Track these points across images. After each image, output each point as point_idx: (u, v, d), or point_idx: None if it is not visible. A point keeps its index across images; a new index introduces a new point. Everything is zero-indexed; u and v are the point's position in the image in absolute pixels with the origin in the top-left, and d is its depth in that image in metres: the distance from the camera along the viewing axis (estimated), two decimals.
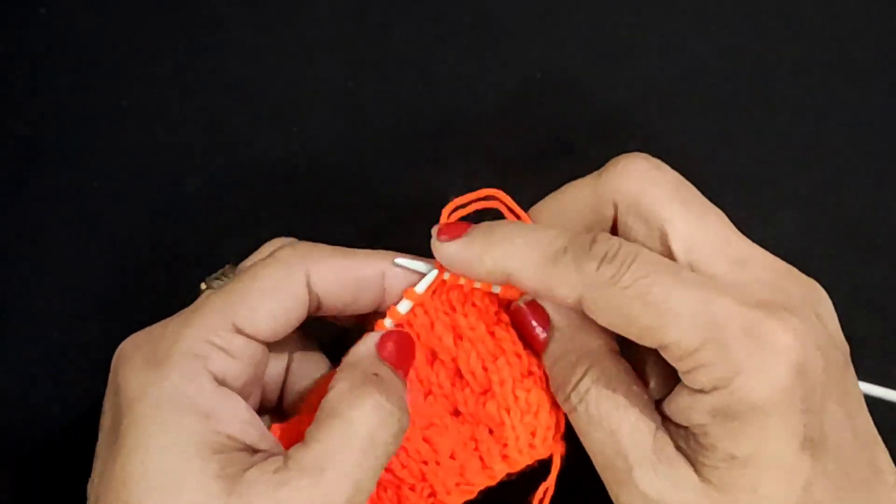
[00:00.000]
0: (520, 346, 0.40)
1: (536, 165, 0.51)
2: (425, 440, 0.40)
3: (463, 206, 0.42)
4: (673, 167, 0.51)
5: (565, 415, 0.40)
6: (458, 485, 0.40)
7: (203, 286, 0.40)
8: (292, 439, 0.37)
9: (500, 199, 0.41)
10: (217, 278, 0.40)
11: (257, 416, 0.38)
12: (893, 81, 0.53)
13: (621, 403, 0.37)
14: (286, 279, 0.38)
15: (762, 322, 0.35)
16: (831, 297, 0.38)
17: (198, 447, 0.35)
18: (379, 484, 0.39)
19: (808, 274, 0.46)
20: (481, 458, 0.40)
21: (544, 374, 0.40)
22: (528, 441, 0.40)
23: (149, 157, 0.51)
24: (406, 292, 0.40)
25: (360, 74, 0.52)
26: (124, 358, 0.37)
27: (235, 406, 0.37)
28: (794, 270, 0.38)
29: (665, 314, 0.35)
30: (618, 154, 0.51)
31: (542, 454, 0.40)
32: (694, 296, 0.35)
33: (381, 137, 0.51)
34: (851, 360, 0.38)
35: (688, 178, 0.51)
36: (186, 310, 0.38)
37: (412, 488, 0.40)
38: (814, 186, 0.52)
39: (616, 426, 0.37)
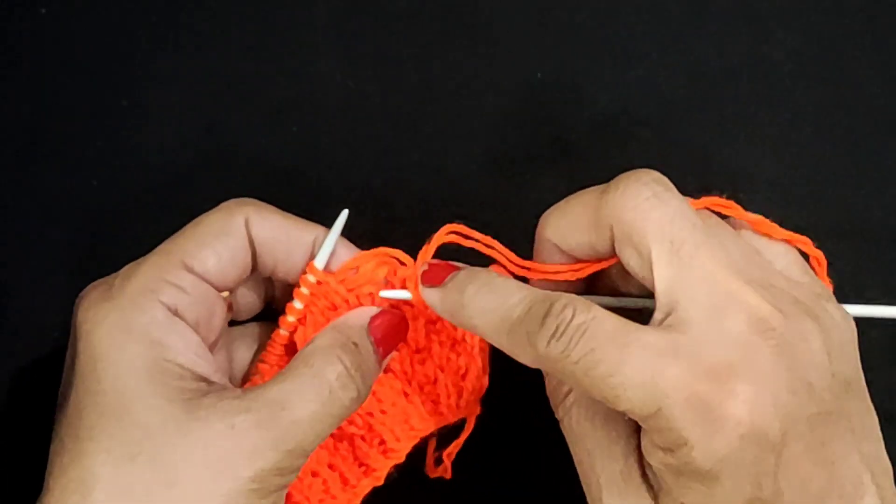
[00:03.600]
0: None
1: (536, 165, 0.51)
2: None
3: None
4: (672, 167, 0.51)
5: (488, 380, 0.44)
6: (404, 431, 0.43)
7: None
8: None
9: (462, 232, 0.43)
10: None
11: (210, 354, 0.39)
12: (894, 81, 0.53)
13: (599, 424, 0.38)
14: (227, 223, 0.40)
15: (708, 395, 0.34)
16: (834, 297, 0.38)
17: (150, 372, 0.36)
18: (334, 436, 0.42)
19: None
20: (417, 410, 0.43)
21: (474, 343, 0.43)
22: (456, 400, 0.43)
23: (149, 157, 0.51)
24: (308, 265, 0.42)
25: (360, 74, 0.52)
26: (81, 301, 0.39)
27: (188, 338, 0.38)
28: (778, 314, 0.36)
29: (613, 388, 0.35)
30: (617, 155, 0.51)
31: (464, 413, 0.44)
32: (640, 369, 0.35)
33: (381, 137, 0.51)
34: None
35: (687, 178, 0.51)
36: (144, 256, 0.40)
37: (363, 438, 0.42)
38: (814, 186, 0.52)
39: (592, 447, 0.38)
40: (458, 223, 0.43)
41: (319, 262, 0.41)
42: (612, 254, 0.40)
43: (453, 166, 0.51)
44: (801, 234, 0.51)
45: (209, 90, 0.52)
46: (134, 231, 0.50)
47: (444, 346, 0.44)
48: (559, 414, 0.40)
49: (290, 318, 0.42)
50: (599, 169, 0.51)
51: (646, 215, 0.37)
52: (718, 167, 0.51)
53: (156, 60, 0.52)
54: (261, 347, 0.44)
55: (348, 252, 0.43)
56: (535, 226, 0.43)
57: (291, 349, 0.43)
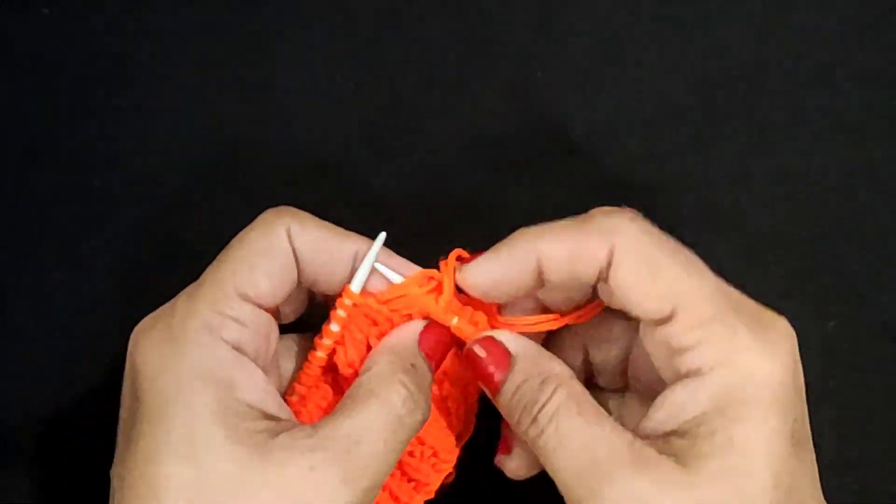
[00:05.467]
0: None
1: (536, 165, 0.51)
2: None
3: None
4: (672, 167, 0.51)
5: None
6: (450, 441, 0.42)
7: None
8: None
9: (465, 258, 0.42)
10: None
11: (273, 387, 0.39)
12: (894, 81, 0.53)
13: (592, 420, 0.38)
14: (272, 238, 0.39)
15: (768, 313, 0.37)
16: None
17: (222, 416, 0.35)
18: None
19: (810, 275, 0.46)
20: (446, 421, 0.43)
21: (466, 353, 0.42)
22: (463, 413, 0.43)
23: (149, 157, 0.51)
24: (345, 289, 0.41)
25: (359, 74, 0.52)
26: (139, 340, 0.38)
27: (253, 374, 0.38)
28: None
29: (680, 284, 0.37)
30: (617, 156, 0.51)
31: (464, 424, 0.44)
32: (708, 281, 0.37)
33: (382, 137, 0.51)
34: None
35: (687, 178, 0.51)
36: (190, 286, 0.39)
37: (411, 454, 0.42)
38: (814, 186, 0.52)
39: (589, 439, 0.37)
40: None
41: (356, 287, 0.41)
42: (588, 287, 0.40)
43: (453, 166, 0.51)
44: (801, 233, 0.51)
45: (209, 90, 0.52)
46: (134, 231, 0.50)
47: (452, 360, 0.43)
48: (540, 423, 0.38)
49: (327, 341, 0.41)
50: (599, 169, 0.51)
51: (626, 228, 0.38)
52: (718, 167, 0.51)
53: (156, 60, 0.52)
54: (304, 357, 0.43)
55: (394, 263, 0.42)
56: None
57: (329, 368, 0.42)
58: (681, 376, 0.37)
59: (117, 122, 0.51)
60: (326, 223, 0.41)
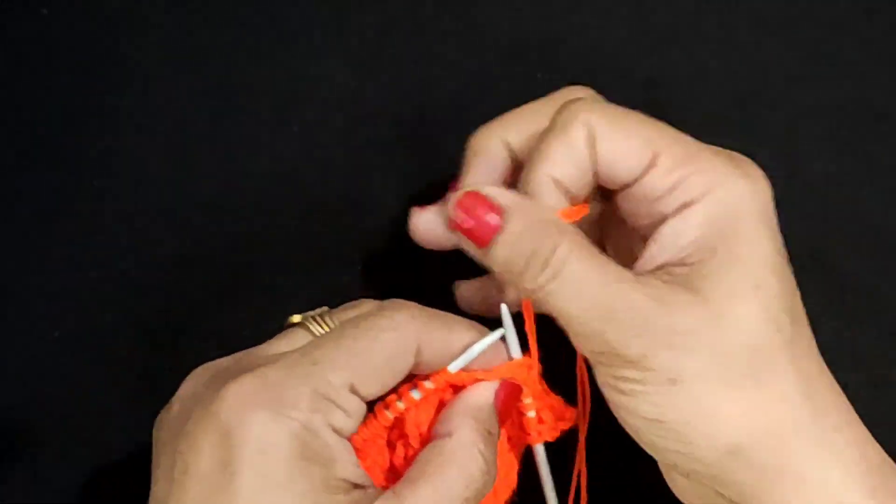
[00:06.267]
0: None
1: None
2: None
3: None
4: None
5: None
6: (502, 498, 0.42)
7: (296, 319, 0.41)
8: None
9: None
10: (315, 318, 0.41)
11: (356, 458, 0.39)
12: (894, 81, 0.53)
13: (603, 260, 0.37)
14: (403, 349, 0.39)
15: (735, 153, 0.39)
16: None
17: (324, 493, 0.36)
18: None
19: (811, 275, 0.46)
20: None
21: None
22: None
23: (148, 157, 0.51)
24: (443, 370, 0.40)
25: (360, 74, 0.52)
26: (242, 404, 0.37)
27: (348, 451, 0.38)
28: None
29: (653, 133, 0.38)
30: None
31: None
32: (675, 130, 0.39)
33: (381, 137, 0.51)
34: None
35: None
36: (304, 357, 0.38)
37: None
38: (815, 187, 0.52)
39: (606, 277, 0.37)
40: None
41: (454, 368, 0.40)
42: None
43: (454, 167, 0.51)
44: (801, 233, 0.51)
45: (209, 90, 0.52)
46: (134, 231, 0.50)
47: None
48: (553, 268, 0.37)
49: (401, 405, 0.40)
50: None
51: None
52: None
53: (156, 60, 0.52)
54: None
55: (497, 356, 0.41)
56: None
57: (392, 425, 0.41)
58: (670, 215, 0.37)
59: (117, 122, 0.51)
60: (447, 319, 0.40)
